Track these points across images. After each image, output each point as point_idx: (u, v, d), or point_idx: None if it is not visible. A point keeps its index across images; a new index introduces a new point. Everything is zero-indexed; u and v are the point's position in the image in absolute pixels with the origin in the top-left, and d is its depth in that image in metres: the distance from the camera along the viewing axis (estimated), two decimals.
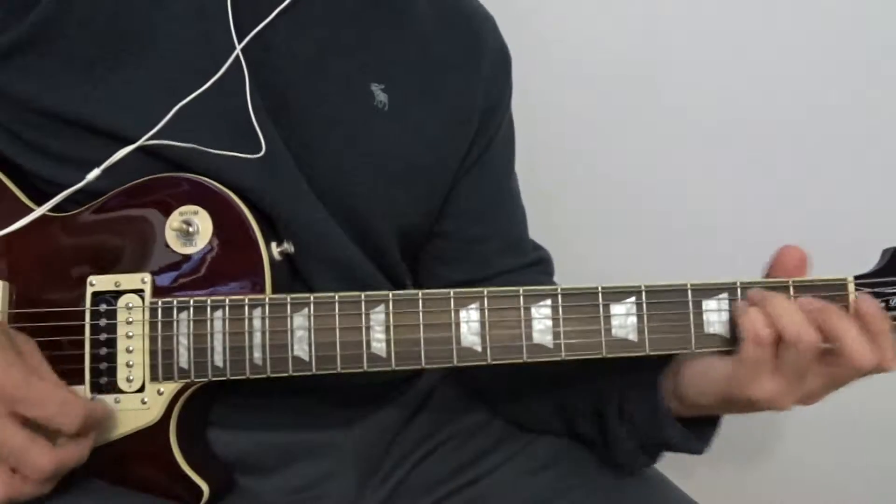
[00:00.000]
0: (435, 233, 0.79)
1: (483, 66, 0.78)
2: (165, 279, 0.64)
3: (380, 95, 0.72)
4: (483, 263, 0.80)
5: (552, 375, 0.76)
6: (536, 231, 0.87)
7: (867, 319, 0.61)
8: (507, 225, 0.83)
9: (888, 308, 0.64)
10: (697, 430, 0.69)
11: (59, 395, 0.57)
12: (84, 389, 0.63)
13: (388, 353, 0.63)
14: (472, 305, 0.64)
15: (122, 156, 0.62)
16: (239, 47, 0.65)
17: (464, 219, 0.79)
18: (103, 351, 0.63)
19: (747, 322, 0.61)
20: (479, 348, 0.64)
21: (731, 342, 0.63)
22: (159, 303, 0.63)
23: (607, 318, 0.64)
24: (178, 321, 0.63)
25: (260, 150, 0.64)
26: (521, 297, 0.64)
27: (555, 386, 0.77)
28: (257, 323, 0.63)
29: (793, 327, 0.59)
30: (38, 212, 0.63)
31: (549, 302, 0.64)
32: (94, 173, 0.62)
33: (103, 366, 0.63)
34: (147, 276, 0.64)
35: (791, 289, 0.64)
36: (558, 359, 0.64)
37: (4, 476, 0.55)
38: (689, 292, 0.64)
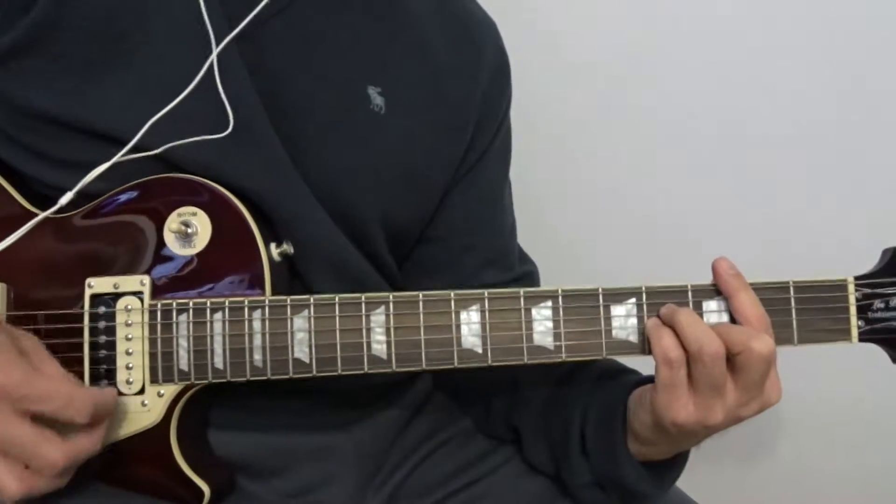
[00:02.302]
0: (422, 239, 0.78)
1: (481, 74, 0.78)
2: (164, 281, 0.64)
3: (376, 99, 0.71)
4: (466, 275, 0.78)
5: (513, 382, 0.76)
6: (536, 232, 0.86)
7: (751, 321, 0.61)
8: (495, 237, 0.81)
9: (887, 308, 0.64)
10: (661, 473, 0.68)
11: (64, 388, 0.57)
12: None
13: (389, 354, 0.63)
14: (473, 307, 0.64)
15: (116, 161, 0.62)
16: (225, 40, 0.64)
17: (452, 227, 0.78)
18: (102, 353, 0.63)
19: (655, 344, 0.61)
20: (479, 350, 0.63)
21: None
22: (158, 305, 0.63)
23: (608, 319, 0.64)
24: (177, 323, 0.63)
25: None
26: (522, 299, 0.64)
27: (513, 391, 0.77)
28: (257, 325, 0.63)
29: (695, 341, 0.59)
30: (42, 216, 0.63)
31: (549, 303, 0.64)
32: (90, 177, 0.62)
33: (103, 368, 0.63)
34: (146, 278, 0.63)
35: (791, 289, 0.64)
36: (559, 360, 0.64)
37: (18, 473, 0.55)
38: (690, 293, 0.64)
